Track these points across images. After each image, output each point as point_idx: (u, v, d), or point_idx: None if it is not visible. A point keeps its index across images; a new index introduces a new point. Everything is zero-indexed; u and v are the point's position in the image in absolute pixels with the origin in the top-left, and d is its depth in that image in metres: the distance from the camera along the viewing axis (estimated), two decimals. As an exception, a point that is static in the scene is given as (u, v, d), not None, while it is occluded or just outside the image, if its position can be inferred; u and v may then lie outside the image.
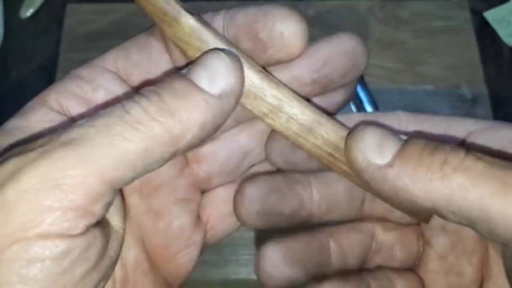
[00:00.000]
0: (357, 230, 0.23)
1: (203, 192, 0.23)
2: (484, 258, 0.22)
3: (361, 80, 0.51)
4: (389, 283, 0.23)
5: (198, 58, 0.17)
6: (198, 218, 0.22)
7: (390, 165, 0.18)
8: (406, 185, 0.18)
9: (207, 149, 0.22)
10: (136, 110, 0.15)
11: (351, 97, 0.23)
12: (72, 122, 0.18)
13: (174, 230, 0.22)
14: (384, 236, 0.23)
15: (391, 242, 0.23)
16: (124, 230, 0.18)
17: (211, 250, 0.44)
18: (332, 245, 0.22)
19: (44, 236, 0.14)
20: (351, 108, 0.49)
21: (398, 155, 0.18)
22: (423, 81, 0.51)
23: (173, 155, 0.16)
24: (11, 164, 0.14)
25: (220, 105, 0.16)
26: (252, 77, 0.19)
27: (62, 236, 0.14)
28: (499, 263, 0.21)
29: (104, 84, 0.19)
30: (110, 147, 0.15)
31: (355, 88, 0.22)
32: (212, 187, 0.23)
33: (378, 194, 0.20)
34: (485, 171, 0.17)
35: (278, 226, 0.22)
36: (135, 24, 0.53)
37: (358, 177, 0.19)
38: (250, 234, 0.44)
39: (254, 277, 0.43)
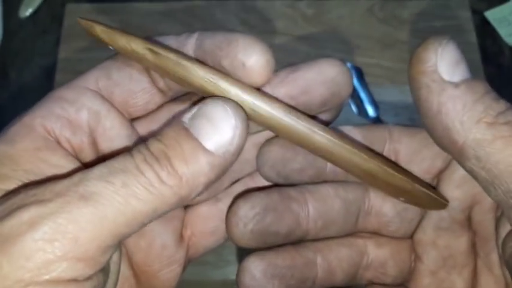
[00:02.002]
0: (347, 245, 0.23)
1: (186, 208, 0.23)
2: (473, 272, 0.22)
3: (361, 79, 0.51)
4: None
5: (200, 107, 0.18)
6: (180, 236, 0.23)
7: (455, 85, 0.18)
8: (455, 111, 0.18)
9: None
10: (150, 173, 0.16)
11: (335, 118, 0.22)
12: (58, 145, 0.18)
13: (156, 248, 0.22)
14: (376, 251, 0.23)
15: (383, 258, 0.23)
16: (120, 263, 0.19)
17: (211, 251, 0.44)
18: (319, 260, 0.22)
19: (55, 282, 0.15)
20: (351, 108, 0.49)
21: (467, 81, 0.18)
22: (424, 81, 0.51)
23: (174, 209, 0.17)
24: (30, 212, 0.15)
25: (225, 164, 0.17)
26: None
27: (70, 281, 0.15)
28: (488, 275, 0.22)
29: (86, 104, 0.19)
30: (125, 207, 0.16)
31: (339, 111, 0.22)
32: (194, 204, 0.23)
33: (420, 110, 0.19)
34: None
35: (273, 245, 0.22)
36: (134, 24, 0.54)
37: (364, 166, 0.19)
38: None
39: (254, 278, 0.43)
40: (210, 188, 0.18)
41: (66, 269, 0.15)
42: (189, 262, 0.23)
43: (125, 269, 0.21)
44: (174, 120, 0.17)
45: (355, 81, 0.51)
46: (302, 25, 0.54)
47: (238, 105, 0.18)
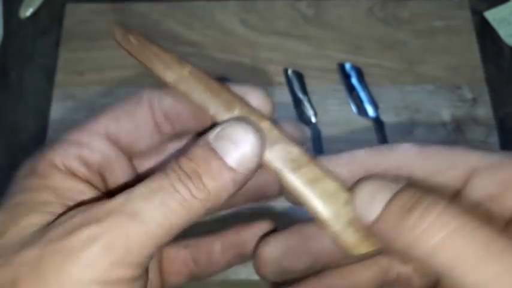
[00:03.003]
0: (370, 266, 0.24)
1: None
2: None
3: (361, 79, 0.51)
4: None
5: (223, 128, 0.21)
6: (160, 268, 0.26)
7: (377, 220, 0.19)
8: (391, 244, 0.19)
9: None
10: (184, 190, 0.20)
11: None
12: (78, 177, 0.22)
13: None
14: (402, 267, 0.24)
15: (409, 272, 0.24)
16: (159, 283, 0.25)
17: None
18: (340, 284, 0.24)
19: (113, 282, 0.19)
20: (351, 109, 0.49)
21: (384, 210, 0.19)
22: (424, 81, 0.51)
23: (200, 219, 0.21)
24: (90, 230, 0.19)
25: (244, 179, 0.20)
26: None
27: (125, 281, 0.19)
28: None
29: (98, 147, 0.23)
30: (164, 221, 0.19)
31: None
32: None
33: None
34: (459, 231, 0.17)
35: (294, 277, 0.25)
36: (134, 24, 0.54)
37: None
38: (251, 235, 0.45)
39: (254, 277, 0.43)
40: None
41: (121, 272, 0.19)
42: None
43: None
44: (201, 140, 0.21)
45: (355, 81, 0.51)
46: (302, 25, 0.54)
47: (256, 125, 0.21)
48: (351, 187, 0.21)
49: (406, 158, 0.22)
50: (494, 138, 0.48)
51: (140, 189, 0.20)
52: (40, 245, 0.19)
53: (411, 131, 0.49)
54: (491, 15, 0.56)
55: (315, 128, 0.48)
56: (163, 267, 0.27)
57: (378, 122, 0.49)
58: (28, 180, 0.22)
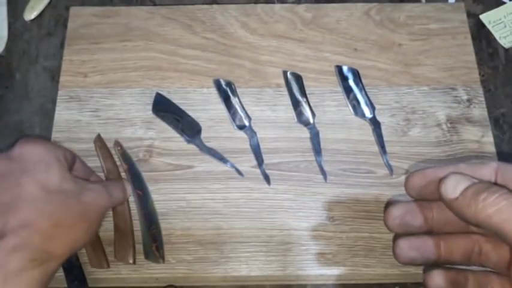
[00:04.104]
0: (463, 237, 0.36)
1: None
2: None
3: (358, 81, 0.51)
4: (485, 278, 0.34)
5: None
6: None
7: (456, 198, 0.32)
8: (463, 212, 0.31)
9: None
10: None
11: None
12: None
13: None
14: (485, 244, 0.35)
15: (489, 249, 0.35)
16: None
17: (213, 248, 0.45)
18: (443, 244, 0.36)
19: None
20: (349, 110, 0.50)
21: (463, 191, 0.32)
22: (420, 82, 0.52)
23: None
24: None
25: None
26: None
27: None
28: None
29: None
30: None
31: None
32: None
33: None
34: (506, 207, 0.29)
35: (409, 232, 0.37)
36: (137, 27, 0.55)
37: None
38: (250, 233, 0.45)
39: (253, 274, 0.44)
40: None
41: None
42: None
43: None
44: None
45: (352, 83, 0.51)
46: (301, 28, 0.54)
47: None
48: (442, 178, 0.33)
49: (492, 170, 0.34)
50: (489, 139, 0.49)
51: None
52: None
53: (407, 132, 0.50)
54: (487, 17, 0.57)
55: (313, 129, 0.49)
56: None
57: (374, 122, 0.50)
58: None
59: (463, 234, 0.36)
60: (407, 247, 0.37)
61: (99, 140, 0.49)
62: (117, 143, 0.49)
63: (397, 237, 0.37)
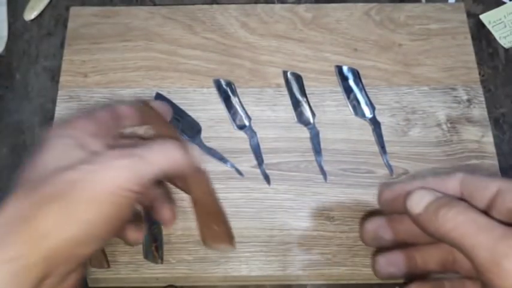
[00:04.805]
0: (436, 248, 0.37)
1: None
2: None
3: (358, 81, 0.51)
4: (461, 284, 0.35)
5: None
6: None
7: (420, 214, 0.33)
8: (426, 226, 0.32)
9: None
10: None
11: None
12: None
13: None
14: (457, 252, 0.32)
15: (462, 257, 0.32)
16: None
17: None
18: (418, 255, 0.37)
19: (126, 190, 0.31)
20: (349, 110, 0.50)
21: (424, 208, 0.33)
22: (419, 82, 0.52)
23: None
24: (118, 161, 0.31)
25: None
26: None
27: (131, 191, 0.30)
28: None
29: None
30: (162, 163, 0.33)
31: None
32: None
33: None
34: (466, 221, 0.30)
35: (384, 246, 0.40)
36: (137, 27, 0.55)
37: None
38: (251, 233, 0.45)
39: (253, 274, 0.44)
40: None
41: (133, 186, 0.30)
42: None
43: None
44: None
45: (352, 83, 0.51)
46: (301, 28, 0.55)
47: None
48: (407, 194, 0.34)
49: (457, 182, 0.34)
50: (489, 139, 0.49)
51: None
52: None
53: (407, 132, 0.50)
54: (487, 17, 0.57)
55: (313, 129, 0.49)
56: None
57: (374, 122, 0.50)
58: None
59: (436, 245, 0.37)
60: (385, 263, 0.39)
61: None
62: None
63: (375, 253, 0.39)
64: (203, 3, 0.57)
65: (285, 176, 0.48)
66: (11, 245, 0.26)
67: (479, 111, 0.50)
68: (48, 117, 0.51)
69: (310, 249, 0.45)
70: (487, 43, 0.56)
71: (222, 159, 0.48)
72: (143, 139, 0.37)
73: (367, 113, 0.50)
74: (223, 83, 0.51)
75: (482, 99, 0.51)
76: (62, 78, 0.52)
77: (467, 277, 0.35)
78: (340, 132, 0.50)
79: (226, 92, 0.51)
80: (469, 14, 0.56)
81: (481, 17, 0.57)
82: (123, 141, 0.36)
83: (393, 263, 0.38)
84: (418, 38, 0.54)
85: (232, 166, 0.48)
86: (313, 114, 0.50)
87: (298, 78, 0.51)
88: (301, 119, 0.50)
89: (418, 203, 0.33)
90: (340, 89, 0.51)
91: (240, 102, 0.51)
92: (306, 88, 0.51)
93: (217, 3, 0.57)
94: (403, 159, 0.48)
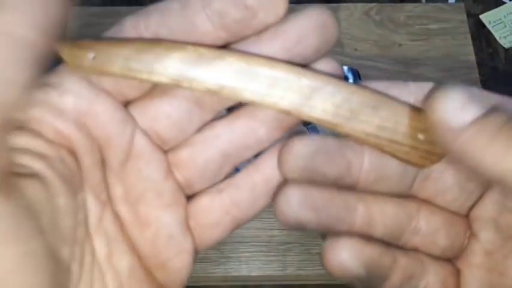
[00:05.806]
0: (396, 203, 0.21)
1: (188, 198, 0.22)
2: None
3: (358, 81, 0.51)
4: (420, 265, 0.22)
5: None
6: (187, 225, 0.22)
7: (467, 129, 0.18)
8: (475, 153, 0.18)
9: (184, 153, 0.21)
10: None
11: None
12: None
13: (163, 238, 0.21)
14: (429, 217, 0.22)
15: (435, 226, 0.22)
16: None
17: (213, 248, 0.45)
18: (361, 208, 0.21)
19: None
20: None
21: (477, 122, 0.18)
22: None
23: None
24: None
25: None
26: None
27: None
28: None
29: (71, 88, 0.19)
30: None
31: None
32: (195, 192, 0.22)
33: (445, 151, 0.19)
34: None
35: (322, 186, 0.21)
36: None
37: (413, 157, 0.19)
38: (251, 233, 0.45)
39: (254, 274, 0.44)
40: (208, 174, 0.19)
41: None
42: (197, 253, 0.22)
43: (132, 261, 0.21)
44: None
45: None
46: (301, 28, 0.55)
47: None
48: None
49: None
50: (489, 139, 0.49)
51: None
52: None
53: (407, 132, 0.50)
54: (487, 17, 0.57)
55: (313, 129, 0.49)
56: (197, 222, 0.22)
57: (374, 122, 0.50)
58: None
59: (396, 199, 0.22)
60: (299, 202, 0.21)
61: None
62: None
63: (284, 183, 0.21)
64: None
65: (285, 176, 0.48)
66: None
67: (479, 111, 0.51)
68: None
69: (310, 249, 0.45)
70: (487, 43, 0.56)
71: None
72: None
73: (367, 113, 0.50)
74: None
75: (482, 99, 0.51)
76: (62, 79, 0.52)
77: (431, 257, 0.22)
78: (340, 132, 0.50)
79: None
80: (469, 14, 0.56)
81: (481, 17, 0.57)
82: None
83: (315, 206, 0.21)
84: (418, 38, 0.54)
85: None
86: (313, 114, 0.50)
87: (298, 78, 0.52)
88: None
89: (461, 112, 0.18)
90: (340, 89, 0.51)
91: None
92: (306, 88, 0.51)
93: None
94: (403, 159, 0.48)
